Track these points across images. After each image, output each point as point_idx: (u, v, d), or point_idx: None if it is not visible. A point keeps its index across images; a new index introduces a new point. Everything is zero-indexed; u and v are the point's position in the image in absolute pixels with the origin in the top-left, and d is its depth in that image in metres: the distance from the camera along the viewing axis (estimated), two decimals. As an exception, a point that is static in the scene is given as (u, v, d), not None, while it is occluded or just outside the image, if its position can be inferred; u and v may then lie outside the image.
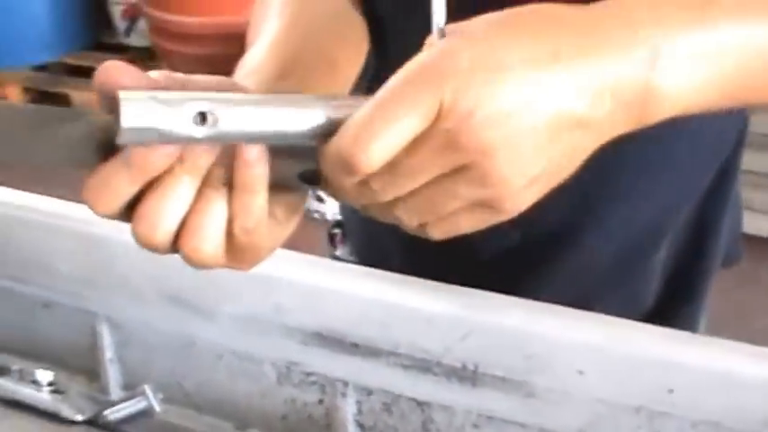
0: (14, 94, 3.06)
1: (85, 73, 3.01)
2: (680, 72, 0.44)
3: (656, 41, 0.43)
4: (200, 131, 0.39)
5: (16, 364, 0.68)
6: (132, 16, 3.12)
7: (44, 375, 0.66)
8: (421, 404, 0.66)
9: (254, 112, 0.40)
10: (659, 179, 0.75)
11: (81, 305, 0.74)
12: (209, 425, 0.72)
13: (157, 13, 2.95)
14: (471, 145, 0.41)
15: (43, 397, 0.65)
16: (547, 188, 0.45)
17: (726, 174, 0.80)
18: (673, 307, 0.82)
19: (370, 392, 0.67)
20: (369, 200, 0.43)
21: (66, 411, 0.64)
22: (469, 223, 0.45)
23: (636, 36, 0.44)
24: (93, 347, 0.73)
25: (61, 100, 2.98)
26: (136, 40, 3.18)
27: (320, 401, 0.70)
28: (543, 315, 0.61)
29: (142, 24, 3.10)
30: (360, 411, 0.69)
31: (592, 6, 0.45)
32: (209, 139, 0.39)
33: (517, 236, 0.73)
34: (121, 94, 0.38)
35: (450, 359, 0.63)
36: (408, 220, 0.44)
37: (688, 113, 0.46)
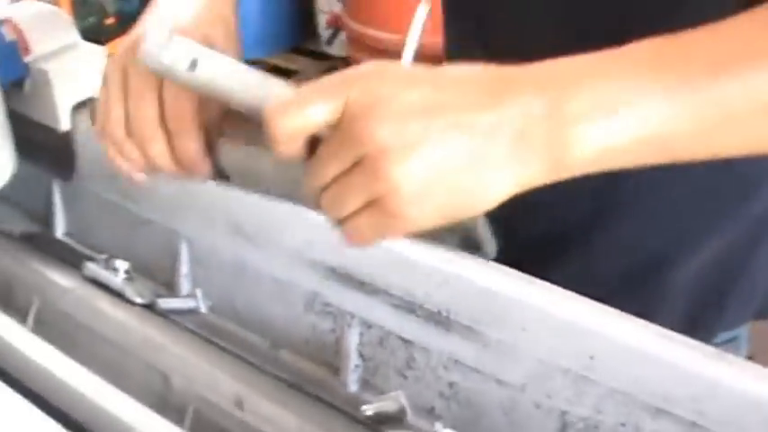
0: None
1: (285, 73, 3.28)
2: (593, 123, 0.46)
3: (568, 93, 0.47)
4: (189, 75, 0.52)
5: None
6: (336, 26, 3.33)
7: (122, 264, 0.83)
8: (406, 342, 0.78)
9: (225, 71, 0.52)
10: (673, 197, 0.79)
11: (169, 225, 0.91)
12: (245, 338, 0.87)
13: (356, 26, 3.13)
14: (365, 138, 0.46)
15: (116, 280, 0.82)
16: (446, 209, 0.48)
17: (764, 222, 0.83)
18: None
19: (369, 326, 0.80)
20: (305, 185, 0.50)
21: (130, 293, 0.81)
22: (369, 227, 0.48)
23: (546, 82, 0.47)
24: (173, 260, 0.91)
25: (257, 94, 3.25)
26: (336, 49, 3.39)
27: (332, 330, 0.83)
28: (503, 275, 0.71)
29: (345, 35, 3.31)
30: (361, 342, 0.81)
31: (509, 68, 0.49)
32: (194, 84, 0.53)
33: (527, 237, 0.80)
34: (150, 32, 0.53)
35: (430, 304, 0.75)
36: (329, 213, 0.49)
37: (615, 166, 0.48)
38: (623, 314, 0.66)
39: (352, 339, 0.82)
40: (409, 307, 0.76)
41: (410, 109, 0.46)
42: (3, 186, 0.89)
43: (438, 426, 0.67)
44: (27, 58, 0.89)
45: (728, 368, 0.62)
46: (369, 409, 0.68)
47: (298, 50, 3.40)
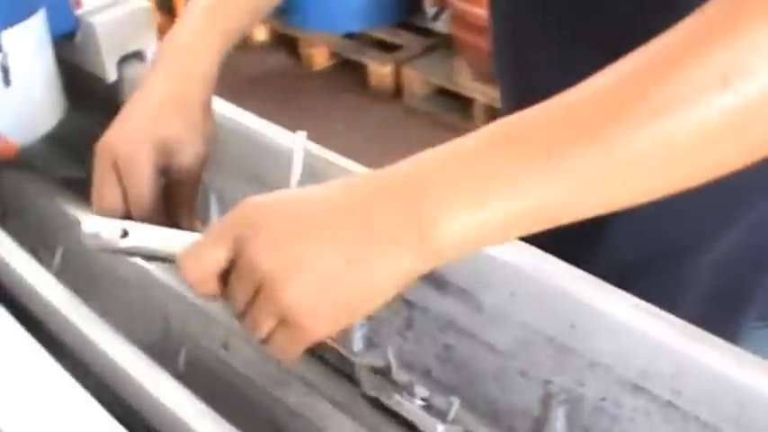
0: (322, 57, 3.43)
1: (388, 48, 3.30)
2: (456, 216, 0.48)
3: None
4: (122, 242, 0.62)
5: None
6: (441, 4, 3.32)
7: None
8: (406, 302, 0.79)
9: (148, 238, 0.62)
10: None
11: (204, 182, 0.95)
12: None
13: (461, 4, 3.11)
14: (254, 268, 0.51)
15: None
16: (342, 314, 0.53)
17: None
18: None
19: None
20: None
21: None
22: (285, 342, 0.54)
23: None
24: (203, 210, 0.94)
25: (359, 69, 3.29)
26: (441, 26, 3.38)
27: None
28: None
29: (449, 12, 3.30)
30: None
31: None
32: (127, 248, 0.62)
33: None
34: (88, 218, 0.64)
35: (427, 267, 0.75)
36: (251, 334, 0.55)
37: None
38: (605, 284, 0.65)
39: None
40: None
41: (286, 237, 0.51)
42: (51, 130, 0.94)
43: (420, 388, 0.67)
44: (78, 12, 0.94)
45: (706, 348, 0.60)
46: (356, 362, 0.69)
47: (403, 25, 3.40)
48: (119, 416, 0.60)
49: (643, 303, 0.63)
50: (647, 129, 0.46)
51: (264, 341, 0.55)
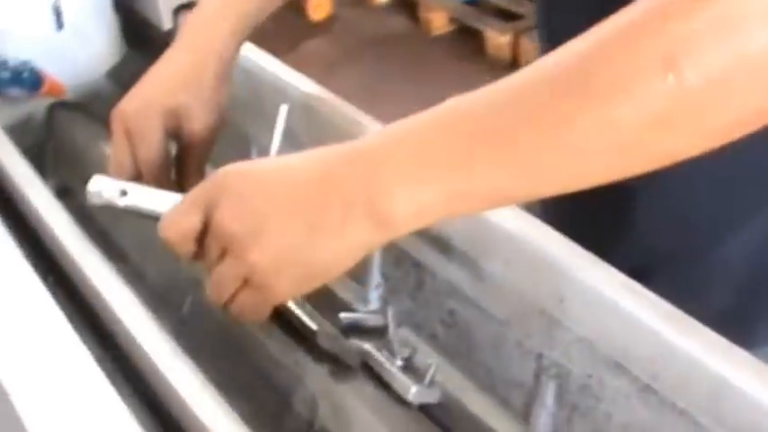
0: (441, 22, 3.40)
1: (508, 16, 3.25)
2: (405, 188, 0.50)
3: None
4: (120, 200, 0.67)
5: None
6: (566, -26, 3.23)
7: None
8: (417, 265, 0.78)
9: (144, 199, 0.66)
10: (722, 170, 0.71)
11: (244, 131, 0.97)
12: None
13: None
14: (220, 232, 0.54)
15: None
16: (302, 279, 0.55)
17: None
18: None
19: (392, 246, 0.81)
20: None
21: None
22: (247, 304, 0.57)
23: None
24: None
25: (477, 36, 3.25)
26: (565, -2, 3.29)
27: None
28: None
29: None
30: (383, 263, 0.83)
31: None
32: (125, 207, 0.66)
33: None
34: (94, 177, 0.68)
35: (435, 230, 0.74)
36: (216, 294, 0.57)
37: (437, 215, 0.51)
38: (597, 260, 0.63)
39: (375, 258, 0.83)
40: (421, 231, 0.76)
41: (252, 203, 0.54)
42: (111, 68, 0.98)
43: (403, 349, 0.66)
44: (136, -42, 0.97)
45: (686, 334, 0.57)
46: (346, 318, 0.68)
47: (524, -6, 3.34)
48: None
49: (632, 282, 0.61)
50: (591, 112, 0.44)
51: (228, 302, 0.57)
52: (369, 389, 0.63)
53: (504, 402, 0.73)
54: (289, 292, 0.57)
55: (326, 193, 0.52)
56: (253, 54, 0.94)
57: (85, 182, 0.71)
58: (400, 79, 3.16)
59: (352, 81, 3.27)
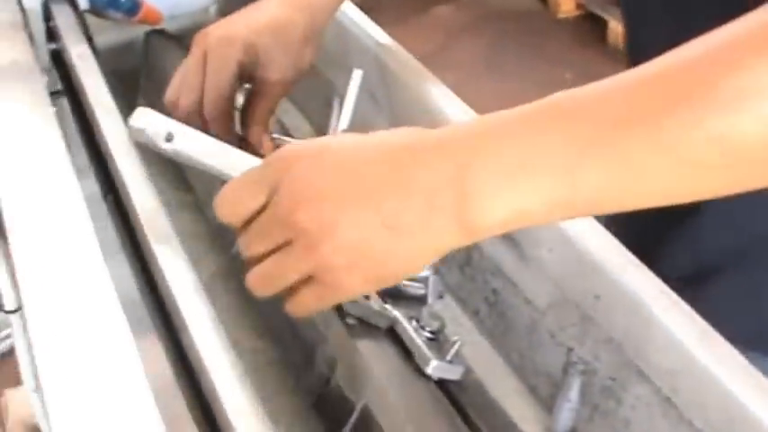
0: (568, 5, 3.34)
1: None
2: (499, 190, 0.45)
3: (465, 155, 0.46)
4: (165, 145, 0.62)
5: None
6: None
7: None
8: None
9: (192, 149, 0.62)
10: None
11: (328, 80, 0.98)
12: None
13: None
14: (289, 223, 0.49)
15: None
16: (374, 277, 0.50)
17: None
18: None
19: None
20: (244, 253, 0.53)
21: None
22: (311, 299, 0.51)
23: (444, 151, 0.47)
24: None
25: (600, 23, 3.18)
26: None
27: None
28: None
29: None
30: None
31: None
32: (167, 151, 0.63)
33: None
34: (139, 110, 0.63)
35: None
36: (269, 283, 0.52)
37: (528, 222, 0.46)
38: (638, 263, 0.61)
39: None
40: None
41: (324, 195, 0.48)
42: (213, 3, 1.00)
43: (433, 322, 0.65)
44: None
45: (711, 351, 0.55)
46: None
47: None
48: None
49: (669, 292, 0.59)
50: (711, 123, 0.41)
51: (284, 294, 0.53)
52: (389, 356, 0.63)
53: (530, 390, 0.73)
54: (358, 291, 0.52)
55: (408, 184, 0.46)
56: (347, 8, 0.95)
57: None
58: (518, 55, 3.12)
59: (473, 51, 3.24)
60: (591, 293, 0.63)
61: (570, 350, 0.67)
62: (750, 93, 0.40)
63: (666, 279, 0.60)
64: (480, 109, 0.62)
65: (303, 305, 0.53)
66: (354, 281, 0.50)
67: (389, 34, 0.94)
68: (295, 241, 0.50)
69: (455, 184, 0.45)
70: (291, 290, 0.52)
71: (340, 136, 0.60)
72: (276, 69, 0.76)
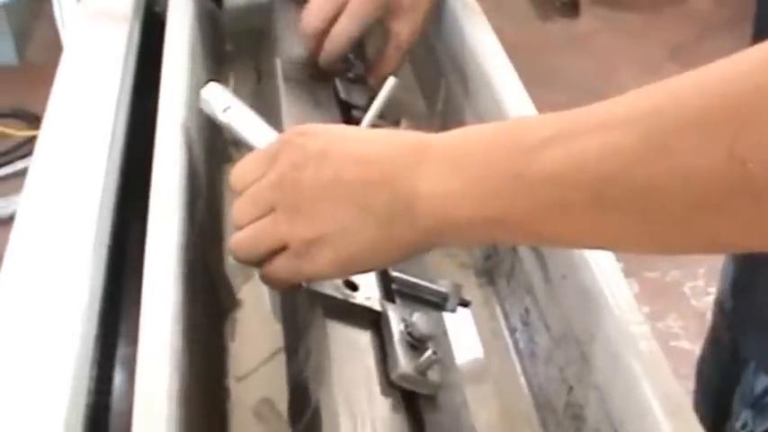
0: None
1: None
2: (438, 178, 0.46)
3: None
4: (221, 115, 0.66)
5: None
6: None
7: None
8: (513, 248, 0.72)
9: (237, 121, 0.66)
10: None
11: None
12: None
13: None
14: (280, 190, 0.51)
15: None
16: (346, 259, 0.51)
17: None
18: None
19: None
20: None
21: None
22: (283, 269, 0.53)
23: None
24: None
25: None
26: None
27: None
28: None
29: None
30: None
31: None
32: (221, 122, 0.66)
33: None
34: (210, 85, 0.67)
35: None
36: (247, 248, 0.54)
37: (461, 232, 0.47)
38: (635, 308, 0.54)
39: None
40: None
41: (315, 168, 0.50)
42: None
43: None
44: None
45: (677, 424, 0.47)
46: (399, 280, 0.65)
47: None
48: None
49: (656, 352, 0.51)
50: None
51: (261, 261, 0.55)
52: (362, 356, 0.59)
53: (541, 423, 0.66)
54: (324, 272, 0.53)
55: (383, 180, 0.48)
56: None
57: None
58: (649, 30, 2.89)
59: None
60: (587, 332, 0.56)
61: (571, 389, 0.60)
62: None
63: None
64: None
65: (274, 274, 0.54)
66: (324, 258, 0.51)
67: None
68: (278, 208, 0.52)
69: (410, 180, 0.47)
70: (266, 258, 0.54)
71: (352, 128, 0.59)
72: (404, 23, 0.79)
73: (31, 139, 2.13)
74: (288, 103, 0.76)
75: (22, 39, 2.54)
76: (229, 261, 0.78)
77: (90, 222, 0.56)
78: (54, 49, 0.74)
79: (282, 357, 0.69)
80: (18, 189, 2.08)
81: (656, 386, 0.49)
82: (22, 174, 2.14)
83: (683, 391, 0.49)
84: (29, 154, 2.16)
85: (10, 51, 2.49)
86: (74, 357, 0.47)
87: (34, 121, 2.20)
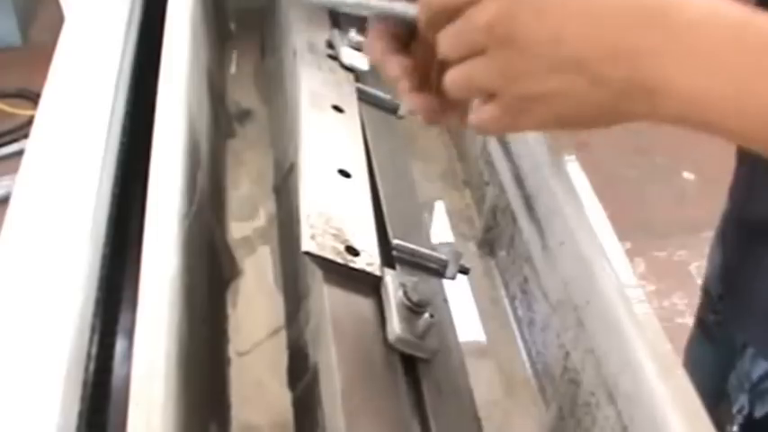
0: None
1: None
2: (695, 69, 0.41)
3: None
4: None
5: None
6: None
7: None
8: (513, 219, 0.73)
9: None
10: None
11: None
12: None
13: None
14: (498, 30, 0.44)
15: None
16: (546, 120, 0.46)
17: None
18: None
19: (503, 190, 0.75)
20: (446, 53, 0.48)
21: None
22: (493, 120, 0.47)
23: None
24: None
25: None
26: None
27: (486, 183, 0.80)
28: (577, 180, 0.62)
29: None
30: (496, 207, 0.78)
31: None
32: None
33: None
34: None
35: (529, 186, 0.68)
36: (458, 87, 0.48)
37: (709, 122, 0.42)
38: (630, 273, 0.54)
39: (490, 196, 0.78)
40: (518, 179, 0.70)
41: (523, 30, 0.44)
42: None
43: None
44: None
45: (667, 384, 0.48)
46: (399, 247, 0.65)
47: None
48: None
49: (649, 314, 0.52)
50: None
51: (471, 108, 0.50)
52: (362, 320, 0.60)
53: (540, 389, 0.67)
54: (541, 129, 0.53)
55: (618, 51, 0.43)
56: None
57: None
58: None
59: None
60: (583, 297, 0.57)
61: (567, 355, 0.61)
62: None
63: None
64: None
65: (483, 124, 0.49)
66: (543, 116, 0.46)
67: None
68: (489, 56, 0.46)
69: (656, 52, 0.42)
70: (478, 103, 0.49)
71: None
72: None
73: (36, 119, 2.14)
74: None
75: (25, 20, 2.54)
76: (232, 234, 0.79)
77: (90, 193, 0.56)
78: (58, 29, 0.74)
79: (283, 335, 0.70)
80: (23, 168, 2.11)
81: (648, 347, 0.50)
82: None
83: (675, 352, 0.49)
84: (34, 134, 2.18)
85: (14, 32, 2.50)
86: (75, 323, 0.47)
87: (39, 100, 2.21)
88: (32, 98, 2.25)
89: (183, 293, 0.51)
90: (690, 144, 2.07)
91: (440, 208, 0.86)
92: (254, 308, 0.72)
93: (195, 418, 0.51)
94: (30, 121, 2.27)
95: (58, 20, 1.48)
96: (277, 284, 0.75)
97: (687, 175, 2.25)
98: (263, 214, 0.82)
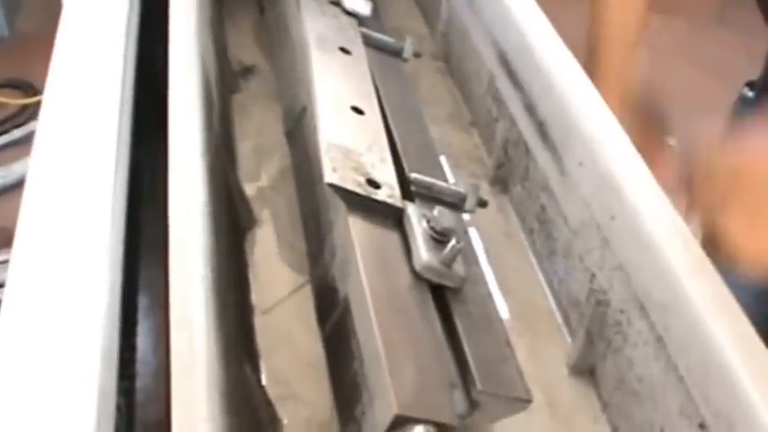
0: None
1: None
2: None
3: None
4: None
5: None
6: None
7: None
8: (527, 150, 0.73)
9: None
10: None
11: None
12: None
13: None
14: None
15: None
16: None
17: None
18: None
19: (513, 123, 0.75)
20: None
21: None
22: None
23: None
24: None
25: None
26: None
27: (495, 119, 0.80)
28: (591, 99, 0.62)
29: None
30: (507, 141, 0.77)
31: None
32: None
33: None
34: None
35: (540, 114, 0.68)
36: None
37: None
38: (656, 188, 0.54)
39: (500, 132, 0.78)
40: (530, 108, 0.70)
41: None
42: None
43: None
44: None
45: (702, 289, 0.48)
46: (416, 180, 0.65)
47: None
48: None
49: (677, 221, 0.52)
50: None
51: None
52: (388, 252, 0.60)
53: (564, 319, 0.67)
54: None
55: None
56: None
57: None
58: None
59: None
60: (607, 213, 0.57)
61: (593, 276, 0.61)
62: None
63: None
64: None
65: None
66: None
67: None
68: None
69: None
70: None
71: None
72: None
73: (27, 107, 2.13)
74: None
75: (12, 9, 2.52)
76: (246, 187, 0.79)
77: (110, 151, 0.55)
78: (44, 18, 0.73)
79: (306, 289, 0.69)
80: (16, 157, 2.08)
81: (678, 254, 0.50)
82: (18, 142, 2.15)
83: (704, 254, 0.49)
84: (25, 122, 2.16)
85: (0, 22, 2.47)
86: (105, 290, 0.46)
87: (29, 89, 2.19)
88: (22, 87, 2.23)
89: (210, 223, 0.51)
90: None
91: (448, 149, 0.85)
92: (274, 262, 0.72)
93: (231, 353, 0.51)
94: (21, 110, 2.25)
95: (44, 9, 1.48)
96: (295, 233, 0.75)
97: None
98: (275, 165, 0.81)
